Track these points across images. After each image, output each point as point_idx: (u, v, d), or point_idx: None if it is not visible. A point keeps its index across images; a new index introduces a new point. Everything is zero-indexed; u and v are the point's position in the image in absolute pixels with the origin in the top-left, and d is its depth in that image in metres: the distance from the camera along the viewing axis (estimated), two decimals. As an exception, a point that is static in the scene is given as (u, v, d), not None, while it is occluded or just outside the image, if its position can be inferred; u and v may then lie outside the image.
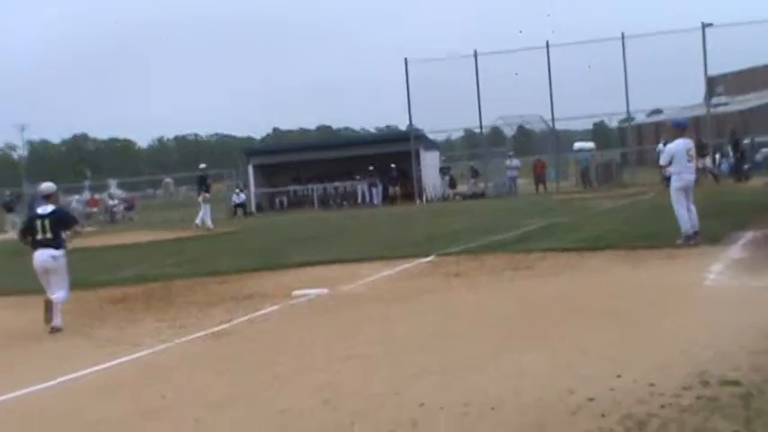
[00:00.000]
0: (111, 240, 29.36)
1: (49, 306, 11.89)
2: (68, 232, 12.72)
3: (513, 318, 9.94)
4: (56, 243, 12.29)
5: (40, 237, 12.23)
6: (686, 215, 14.83)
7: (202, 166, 35.17)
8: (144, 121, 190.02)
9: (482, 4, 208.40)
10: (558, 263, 14.10)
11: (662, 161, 15.68)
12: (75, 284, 16.09)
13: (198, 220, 32.48)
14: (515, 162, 46.66)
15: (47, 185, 13.11)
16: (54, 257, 12.21)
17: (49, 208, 12.51)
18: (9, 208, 47.20)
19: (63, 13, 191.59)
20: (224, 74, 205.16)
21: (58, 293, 12.05)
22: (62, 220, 12.61)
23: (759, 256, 13.00)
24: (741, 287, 10.66)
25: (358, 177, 47.89)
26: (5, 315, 13.77)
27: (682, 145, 15.16)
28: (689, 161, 15.08)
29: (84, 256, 24.21)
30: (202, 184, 33.51)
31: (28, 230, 12.53)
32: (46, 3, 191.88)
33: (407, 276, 14.34)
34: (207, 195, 32.90)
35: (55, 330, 11.66)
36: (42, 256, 12.19)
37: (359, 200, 47.37)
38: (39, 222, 12.31)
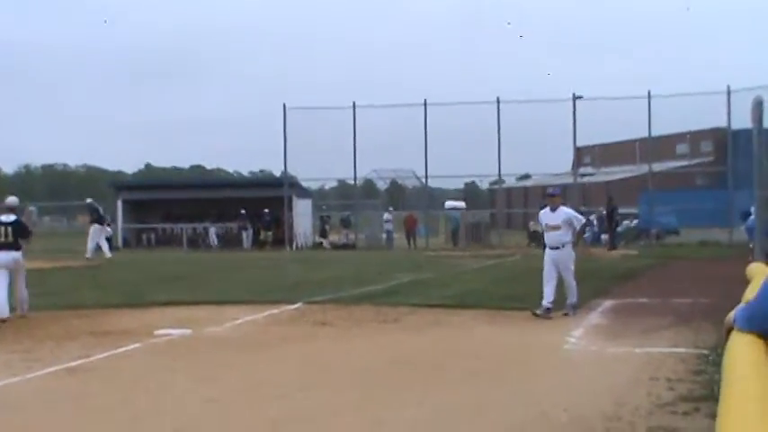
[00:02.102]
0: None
1: None
2: (24, 240, 15.34)
3: (376, 370, 9.96)
4: (15, 246, 14.95)
5: (2, 240, 14.81)
6: (550, 289, 14.27)
7: (89, 200, 35.01)
8: (10, 148, 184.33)
9: (362, 59, 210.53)
10: (424, 318, 14.21)
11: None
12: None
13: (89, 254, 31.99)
14: (391, 216, 47.06)
15: (12, 199, 15.68)
16: (15, 259, 14.90)
17: (12, 217, 15.13)
18: None
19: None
20: (97, 105, 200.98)
21: (20, 294, 14.92)
22: (21, 229, 15.21)
23: (616, 323, 13.38)
24: (599, 352, 10.93)
25: (208, 221, 47.96)
26: None
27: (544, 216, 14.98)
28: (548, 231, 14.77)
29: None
30: (94, 212, 33.27)
31: None
32: None
33: (274, 322, 14.23)
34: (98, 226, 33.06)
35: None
36: (5, 256, 14.79)
37: (213, 242, 47.32)
38: (2, 228, 14.86)
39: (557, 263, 14.44)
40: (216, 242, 47.26)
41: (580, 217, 15.34)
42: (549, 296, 14.22)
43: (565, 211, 14.86)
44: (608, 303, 15.95)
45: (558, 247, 14.45)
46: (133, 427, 7.32)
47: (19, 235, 15.08)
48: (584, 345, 11.56)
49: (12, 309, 14.74)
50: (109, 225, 46.65)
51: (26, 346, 11.65)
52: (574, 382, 9.13)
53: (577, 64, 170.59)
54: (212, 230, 47.85)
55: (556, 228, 14.56)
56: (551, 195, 15.27)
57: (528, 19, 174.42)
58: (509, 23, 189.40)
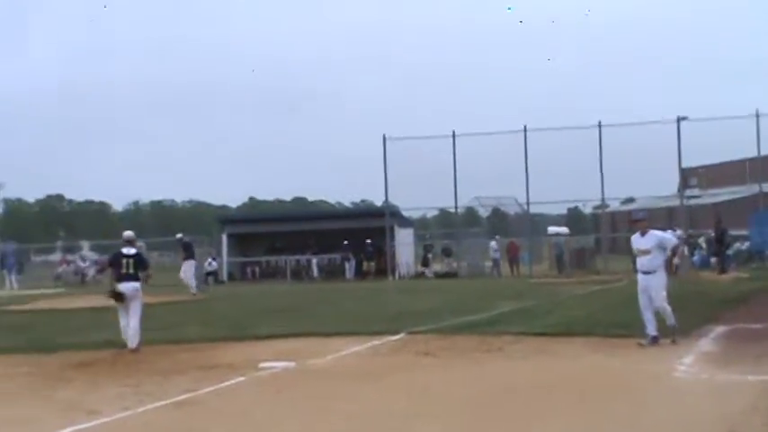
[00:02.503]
0: (80, 303, 29.07)
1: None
2: (144, 273, 16.28)
3: (481, 400, 9.85)
4: (136, 277, 15.96)
5: (124, 271, 15.84)
6: (649, 316, 13.94)
7: (179, 235, 35.44)
8: (120, 185, 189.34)
9: (462, 87, 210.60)
10: (529, 347, 14.03)
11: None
12: (40, 347, 15.97)
13: (193, 289, 32.53)
14: (497, 244, 46.76)
15: (130, 233, 16.78)
16: (136, 288, 15.82)
17: (132, 250, 16.27)
18: None
19: (42, 71, 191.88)
20: (202, 141, 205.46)
21: (132, 329, 15.50)
22: (141, 261, 16.33)
23: (728, 350, 13.00)
24: (711, 380, 10.62)
25: (310, 253, 48.33)
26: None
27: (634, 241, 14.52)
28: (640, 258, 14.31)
29: (51, 319, 23.98)
30: (188, 248, 33.95)
31: (114, 265, 16.11)
32: (23, 64, 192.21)
33: (377, 353, 14.22)
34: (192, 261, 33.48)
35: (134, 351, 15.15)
36: (128, 286, 15.74)
37: (314, 274, 47.67)
38: (124, 260, 15.93)
39: (648, 289, 13.99)
40: (317, 274, 47.63)
41: (671, 238, 14.94)
42: (650, 324, 13.86)
43: (655, 235, 14.40)
44: (719, 329, 15.49)
45: (649, 272, 14.06)
46: (239, 460, 7.35)
47: (140, 267, 16.13)
48: (695, 372, 11.24)
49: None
50: (214, 260, 47.65)
51: (136, 380, 11.85)
52: (685, 411, 8.89)
53: (679, 85, 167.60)
54: (314, 262, 48.28)
55: (646, 252, 14.11)
56: (636, 221, 14.91)
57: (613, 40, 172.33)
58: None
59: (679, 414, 8.70)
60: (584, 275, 38.71)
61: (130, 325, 15.57)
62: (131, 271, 15.88)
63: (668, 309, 13.99)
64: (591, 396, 9.76)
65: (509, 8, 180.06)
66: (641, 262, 14.26)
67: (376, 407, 9.69)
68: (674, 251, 15.52)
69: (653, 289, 13.96)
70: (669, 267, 14.77)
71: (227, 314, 23.14)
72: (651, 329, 13.81)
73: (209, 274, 46.86)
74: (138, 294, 15.88)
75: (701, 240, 40.45)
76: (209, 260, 47.86)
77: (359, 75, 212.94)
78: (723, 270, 36.14)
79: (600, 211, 55.63)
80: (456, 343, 14.83)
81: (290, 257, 48.70)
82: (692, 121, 42.07)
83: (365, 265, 46.34)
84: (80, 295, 36.14)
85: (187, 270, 33.19)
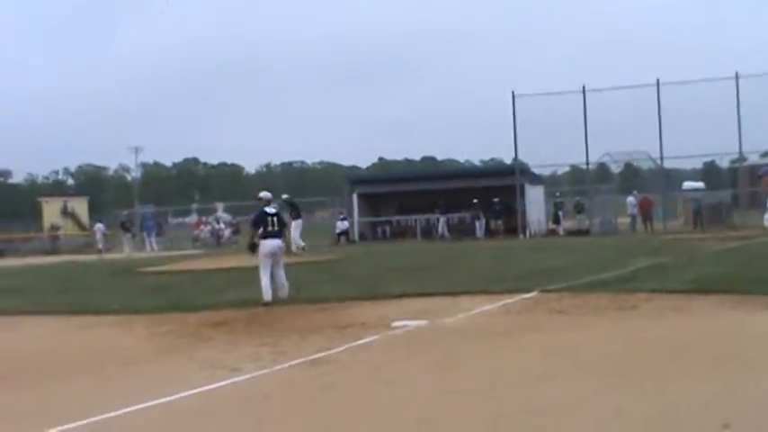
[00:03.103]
0: (216, 264, 29.87)
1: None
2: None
3: (615, 359, 9.72)
4: (281, 234, 17.32)
5: (270, 229, 16.87)
6: None
7: (285, 196, 35.80)
8: (253, 148, 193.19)
9: (591, 41, 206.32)
10: (663, 305, 13.76)
11: None
12: (180, 307, 16.50)
13: (295, 248, 32.81)
14: (635, 200, 45.85)
15: (268, 193, 17.87)
16: (281, 245, 17.13)
17: (273, 209, 17.33)
18: (126, 228, 48.73)
19: (179, 40, 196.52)
20: (332, 103, 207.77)
21: (282, 282, 16.82)
22: (281, 220, 17.45)
23: None
24: None
25: (438, 212, 48.12)
26: (110, 333, 14.04)
27: None
28: None
29: (188, 279, 24.72)
30: (294, 208, 34.16)
31: (261, 223, 16.96)
32: (162, 29, 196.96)
33: (509, 312, 14.18)
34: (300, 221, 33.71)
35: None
36: (273, 242, 16.84)
37: (443, 233, 47.46)
38: (270, 219, 16.93)
39: None
40: (446, 233, 47.61)
41: None
42: None
43: None
44: None
45: None
46: (377, 417, 7.46)
47: (282, 224, 17.46)
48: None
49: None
50: (344, 219, 48.25)
51: (273, 339, 12.13)
52: (831, 370, 8.59)
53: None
54: (442, 221, 48.26)
55: None
56: (761, 176, 14.38)
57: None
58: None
59: (824, 373, 8.43)
60: (721, 231, 37.71)
61: (280, 279, 16.83)
62: (276, 228, 17.02)
63: None
64: (728, 354, 9.53)
65: None
66: None
67: (509, 365, 9.68)
68: None
69: None
70: None
71: (359, 274, 23.42)
72: None
73: (340, 234, 47.50)
74: (283, 250, 17.27)
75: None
76: (341, 219, 48.47)
77: (488, 30, 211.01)
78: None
79: (738, 164, 53.91)
80: (589, 301, 14.67)
81: (420, 217, 48.88)
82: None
83: (492, 224, 46.12)
84: (217, 256, 37.15)
85: (295, 230, 33.59)
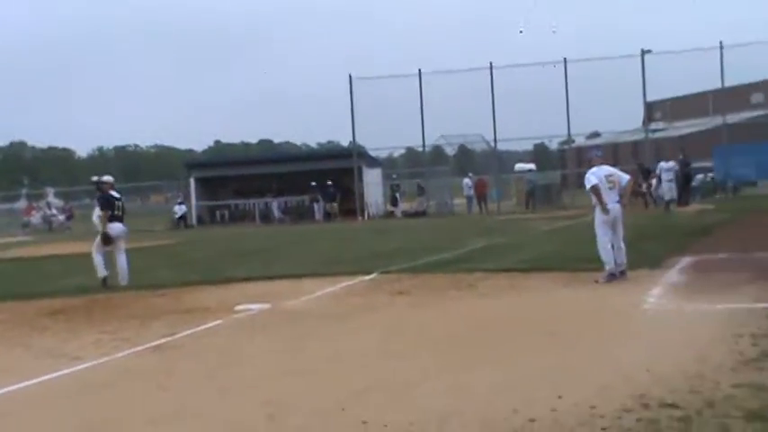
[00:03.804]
0: (49, 250, 29.01)
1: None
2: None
3: (455, 336, 10.02)
4: (122, 218, 17.23)
5: (116, 213, 17.05)
6: (611, 254, 13.88)
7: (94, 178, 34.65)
8: (84, 131, 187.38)
9: (426, 25, 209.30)
10: (499, 283, 14.22)
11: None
12: (14, 295, 15.98)
13: None
14: (471, 181, 46.85)
15: (110, 177, 17.85)
16: (125, 230, 17.33)
17: (117, 194, 17.44)
18: None
19: (4, 16, 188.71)
20: (166, 85, 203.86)
21: (124, 268, 16.91)
22: (123, 205, 17.49)
23: (695, 281, 13.25)
24: (678, 311, 10.83)
25: (270, 196, 48.19)
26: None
27: (601, 173, 14.22)
28: (611, 188, 14.10)
29: (21, 266, 23.93)
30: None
31: (107, 207, 16.91)
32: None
33: (350, 293, 14.36)
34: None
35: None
36: (119, 227, 17.04)
37: (275, 216, 47.52)
38: (116, 203, 17.10)
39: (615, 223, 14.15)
40: (279, 216, 47.52)
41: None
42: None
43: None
44: (686, 260, 15.74)
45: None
46: (223, 400, 7.48)
47: (124, 210, 17.57)
48: (664, 303, 11.46)
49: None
50: (182, 203, 47.59)
51: (113, 327, 11.94)
52: (654, 341, 9.09)
53: (644, 17, 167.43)
54: (274, 205, 48.17)
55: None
56: (591, 159, 15.09)
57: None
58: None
59: (649, 344, 8.90)
60: (552, 211, 39.04)
61: (122, 264, 16.97)
62: (121, 213, 17.23)
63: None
64: (562, 330, 9.93)
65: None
66: (613, 194, 14.07)
67: (352, 346, 9.84)
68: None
69: (619, 221, 14.12)
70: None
71: (198, 258, 23.24)
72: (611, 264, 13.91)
73: (180, 218, 46.88)
74: (127, 235, 17.56)
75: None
76: (179, 203, 47.80)
77: (324, 14, 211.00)
78: (686, 202, 36.64)
79: (566, 146, 55.95)
80: (429, 281, 15.01)
81: (258, 201, 48.70)
82: (656, 54, 42.27)
83: (328, 206, 46.27)
84: (50, 242, 36.05)
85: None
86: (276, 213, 47.79)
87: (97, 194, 17.44)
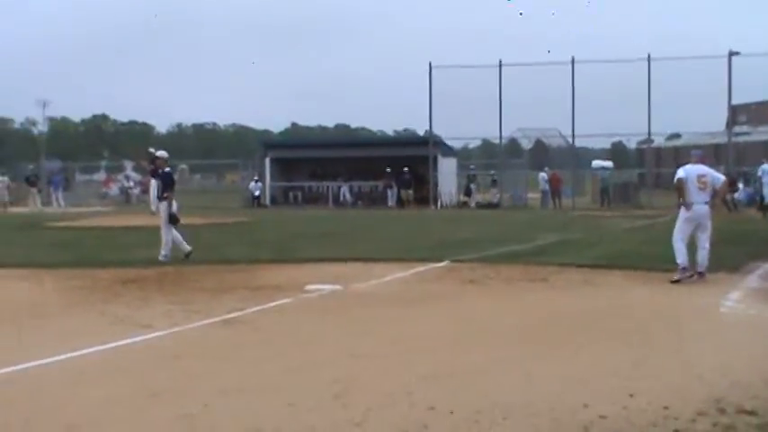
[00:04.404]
0: (126, 221, 29.44)
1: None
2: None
3: (526, 328, 9.90)
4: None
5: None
6: (683, 248, 13.72)
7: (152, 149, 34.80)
8: (164, 107, 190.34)
9: (510, 17, 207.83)
10: (573, 278, 14.04)
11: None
12: (90, 263, 16.23)
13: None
14: (547, 175, 46.36)
15: (164, 152, 18.05)
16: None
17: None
18: (32, 183, 47.64)
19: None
20: (246, 66, 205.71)
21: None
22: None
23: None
24: (758, 316, 10.58)
25: (341, 179, 48.07)
26: (20, 287, 13.73)
27: (693, 171, 14.04)
28: (700, 188, 13.85)
29: (98, 235, 24.33)
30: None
31: (172, 187, 17.43)
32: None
33: (421, 279, 14.30)
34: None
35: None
36: (176, 206, 17.17)
37: (346, 200, 47.68)
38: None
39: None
40: (349, 199, 47.57)
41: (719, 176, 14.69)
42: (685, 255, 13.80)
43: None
44: (766, 266, 15.35)
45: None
46: (289, 378, 7.46)
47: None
48: (743, 308, 11.20)
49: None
50: (258, 181, 47.94)
51: (184, 298, 12.05)
52: (732, 345, 8.87)
53: (730, 18, 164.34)
54: (344, 188, 48.23)
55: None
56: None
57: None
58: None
59: (726, 348, 8.68)
60: (627, 210, 38.49)
61: (178, 238, 17.11)
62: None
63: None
64: (636, 327, 9.75)
65: None
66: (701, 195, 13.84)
67: (421, 331, 9.77)
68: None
69: (703, 222, 13.92)
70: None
71: (271, 237, 23.34)
72: (683, 260, 13.70)
73: (255, 197, 47.27)
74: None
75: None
76: (255, 181, 48.15)
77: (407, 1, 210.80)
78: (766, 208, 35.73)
79: (645, 146, 55.04)
80: (500, 272, 14.87)
81: (332, 184, 48.84)
82: (744, 56, 41.32)
83: (403, 193, 46.17)
84: (126, 213, 36.60)
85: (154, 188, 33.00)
86: (347, 197, 47.84)
87: (159, 171, 17.81)
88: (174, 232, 16.98)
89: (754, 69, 42.76)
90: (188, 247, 16.95)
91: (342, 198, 48.04)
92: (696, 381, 7.12)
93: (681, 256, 13.66)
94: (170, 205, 17.07)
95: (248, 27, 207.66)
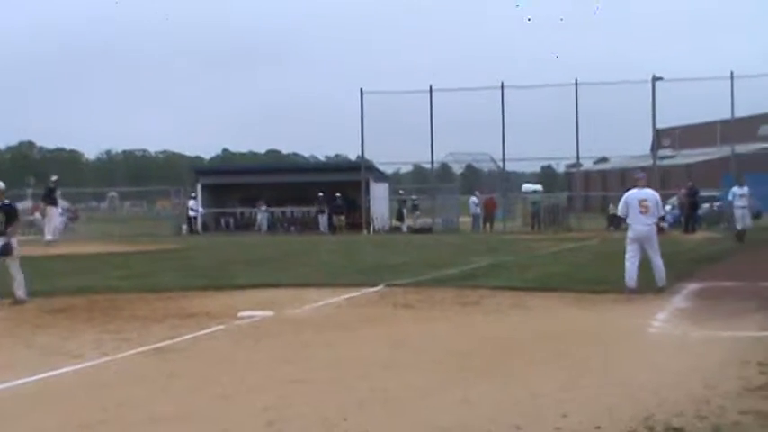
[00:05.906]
0: (54, 250, 28.93)
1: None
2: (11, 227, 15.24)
3: (459, 351, 9.94)
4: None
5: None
6: (631, 268, 14.77)
7: (54, 178, 34.68)
8: (93, 134, 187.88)
9: (440, 42, 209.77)
10: (505, 301, 14.16)
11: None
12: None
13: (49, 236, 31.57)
14: (478, 200, 46.70)
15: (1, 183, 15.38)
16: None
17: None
18: None
19: (17, 18, 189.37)
20: (176, 92, 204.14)
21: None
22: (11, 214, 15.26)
23: (701, 307, 13.17)
24: (684, 336, 10.76)
25: (258, 205, 47.89)
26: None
27: (634, 197, 15.14)
28: (641, 212, 14.94)
29: (25, 265, 23.83)
30: (48, 196, 33.02)
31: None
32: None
33: (354, 304, 14.30)
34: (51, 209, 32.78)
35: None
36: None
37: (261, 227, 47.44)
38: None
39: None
40: (266, 227, 47.18)
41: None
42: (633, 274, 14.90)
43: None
44: (692, 287, 15.66)
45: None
46: (223, 405, 7.41)
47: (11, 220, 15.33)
48: (670, 328, 11.40)
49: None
50: (194, 198, 47.42)
51: (115, 327, 11.90)
52: (660, 364, 9.00)
53: (654, 45, 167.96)
54: (260, 216, 47.92)
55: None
56: (638, 179, 15.79)
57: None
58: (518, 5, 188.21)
59: (655, 367, 8.81)
60: (557, 233, 38.95)
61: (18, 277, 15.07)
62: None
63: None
64: (567, 349, 9.86)
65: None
66: (643, 217, 14.96)
67: (355, 356, 9.77)
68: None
69: (647, 241, 14.96)
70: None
71: (203, 264, 23.16)
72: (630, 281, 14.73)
73: (192, 218, 46.71)
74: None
75: (673, 200, 40.65)
76: (192, 200, 47.46)
77: (338, 28, 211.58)
78: (693, 230, 36.45)
79: (574, 169, 55.82)
80: (433, 296, 14.94)
81: (251, 209, 48.73)
82: (667, 81, 42.17)
83: (335, 219, 46.04)
84: (54, 243, 35.91)
85: (54, 217, 32.86)
86: (260, 223, 47.41)
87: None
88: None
89: (676, 94, 43.71)
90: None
91: (257, 226, 47.66)
92: (626, 399, 7.23)
93: (628, 278, 14.72)
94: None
95: (178, 53, 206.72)
